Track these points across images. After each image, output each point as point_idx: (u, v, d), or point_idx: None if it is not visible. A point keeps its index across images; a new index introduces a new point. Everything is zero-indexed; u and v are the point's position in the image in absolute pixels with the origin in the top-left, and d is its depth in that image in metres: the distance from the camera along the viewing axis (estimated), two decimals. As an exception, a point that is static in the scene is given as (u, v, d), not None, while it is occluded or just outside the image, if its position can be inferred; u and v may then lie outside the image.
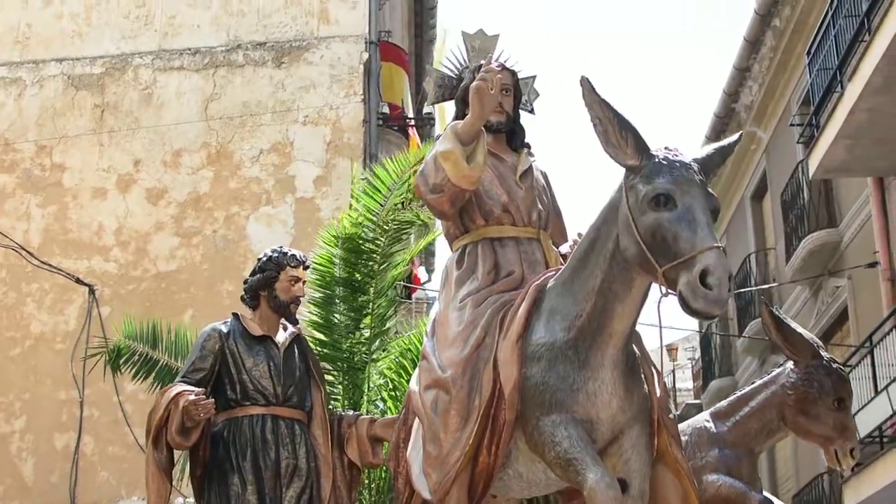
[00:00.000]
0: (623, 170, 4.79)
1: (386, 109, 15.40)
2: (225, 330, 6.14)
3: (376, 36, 15.13)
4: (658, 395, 5.03)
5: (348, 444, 6.23)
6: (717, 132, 21.35)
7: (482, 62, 5.49)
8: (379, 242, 8.65)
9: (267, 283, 6.16)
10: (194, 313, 13.47)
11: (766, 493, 7.11)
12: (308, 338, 7.06)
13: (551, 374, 4.85)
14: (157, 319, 9.03)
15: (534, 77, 5.85)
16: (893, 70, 12.77)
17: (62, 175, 14.64)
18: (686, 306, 4.44)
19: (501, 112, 5.56)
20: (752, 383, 7.26)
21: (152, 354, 8.78)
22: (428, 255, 23.75)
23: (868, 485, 13.79)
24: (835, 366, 6.92)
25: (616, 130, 4.73)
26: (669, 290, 4.56)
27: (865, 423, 12.81)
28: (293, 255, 6.24)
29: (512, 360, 4.95)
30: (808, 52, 15.85)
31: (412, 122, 15.99)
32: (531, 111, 5.85)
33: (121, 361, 8.77)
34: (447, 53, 5.86)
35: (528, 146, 5.72)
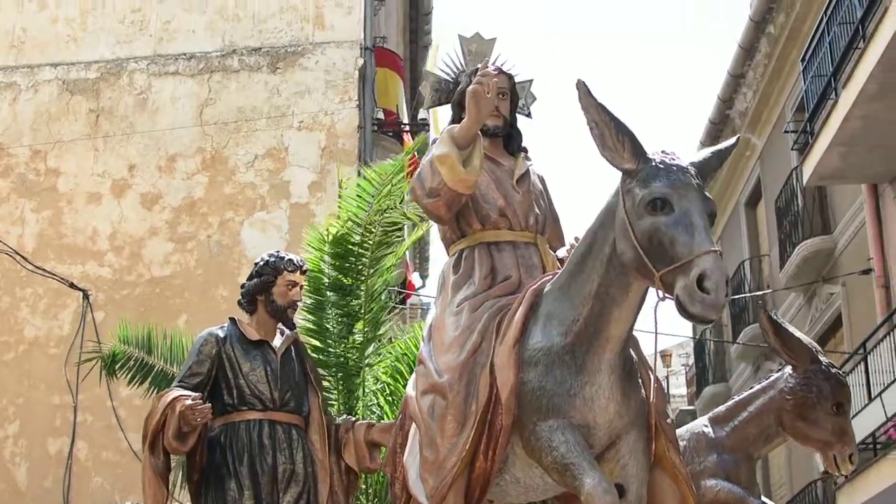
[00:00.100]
0: (620, 174, 4.78)
1: (381, 115, 15.41)
2: (222, 335, 6.13)
3: (371, 42, 15.14)
4: (655, 399, 5.02)
5: (345, 449, 6.23)
6: (711, 138, 21.37)
7: (479, 66, 5.47)
8: (367, 246, 8.66)
9: (264, 287, 6.16)
10: (188, 318, 13.45)
11: (763, 499, 7.11)
12: (302, 343, 7.05)
13: (548, 379, 4.83)
14: (152, 324, 9.01)
15: (531, 81, 5.82)
16: (888, 77, 12.80)
17: (57, 180, 14.62)
18: (683, 311, 4.42)
19: (498, 116, 5.53)
20: (751, 388, 7.26)
21: (147, 359, 8.77)
22: (422, 260, 23.78)
23: (862, 491, 13.79)
24: (833, 370, 6.92)
25: (613, 134, 4.72)
26: (666, 295, 4.54)
27: (859, 429, 12.73)
28: (290, 260, 6.24)
29: (509, 365, 4.93)
30: (803, 59, 15.90)
31: (407, 128, 15.98)
32: (528, 115, 5.83)
33: (116, 366, 8.76)
34: (444, 58, 5.84)
35: (525, 150, 5.70)
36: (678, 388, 33.06)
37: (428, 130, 16.56)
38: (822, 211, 17.58)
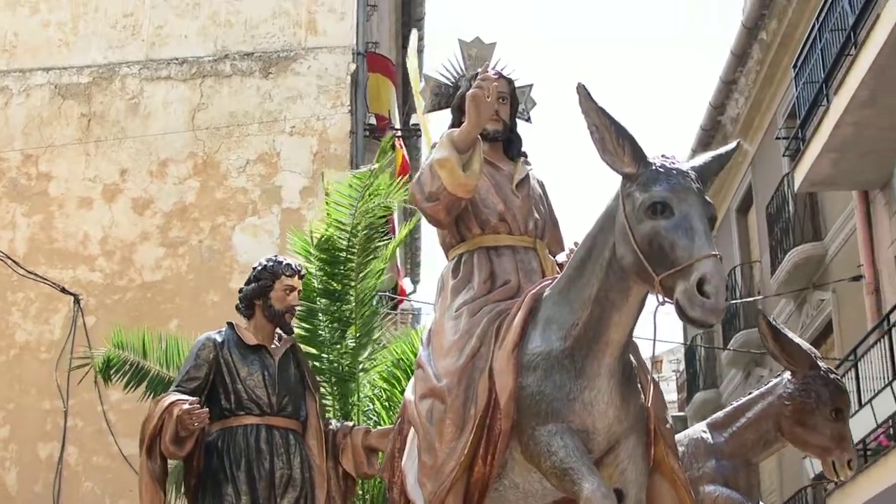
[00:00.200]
0: (619, 178, 4.78)
1: (373, 120, 15.39)
2: (219, 339, 6.12)
3: (364, 47, 15.12)
4: (654, 404, 5.02)
5: (343, 455, 6.22)
6: (703, 145, 21.41)
7: (479, 70, 5.48)
8: (354, 250, 8.67)
9: (262, 292, 6.15)
10: (179, 323, 13.42)
11: (761, 504, 7.11)
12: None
13: (547, 384, 4.82)
14: (147, 329, 8.99)
15: (530, 86, 5.83)
16: (879, 84, 12.84)
17: (48, 184, 14.58)
18: (683, 315, 4.41)
19: (498, 120, 5.54)
20: (749, 394, 7.26)
21: (143, 364, 8.75)
22: (413, 265, 23.78)
23: (852, 497, 13.81)
24: (832, 376, 6.92)
25: (613, 138, 4.71)
26: (666, 299, 4.54)
27: (850, 435, 12.83)
28: (288, 265, 6.23)
29: (508, 370, 4.92)
30: (795, 66, 15.94)
31: (399, 134, 15.98)
32: (528, 120, 5.84)
33: (111, 371, 8.73)
34: (443, 62, 5.83)
35: (525, 155, 5.70)
36: (669, 394, 33.06)
37: (420, 136, 16.57)
38: (813, 217, 17.62)
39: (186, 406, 5.68)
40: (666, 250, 4.49)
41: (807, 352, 6.95)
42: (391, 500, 5.43)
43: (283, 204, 14.42)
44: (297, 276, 6.23)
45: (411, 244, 22.49)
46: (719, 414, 7.32)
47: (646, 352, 5.24)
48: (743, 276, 21.36)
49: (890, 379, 12.91)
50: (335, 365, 8.54)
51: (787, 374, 7.00)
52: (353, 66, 14.81)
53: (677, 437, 6.23)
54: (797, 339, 7.03)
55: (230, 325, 6.24)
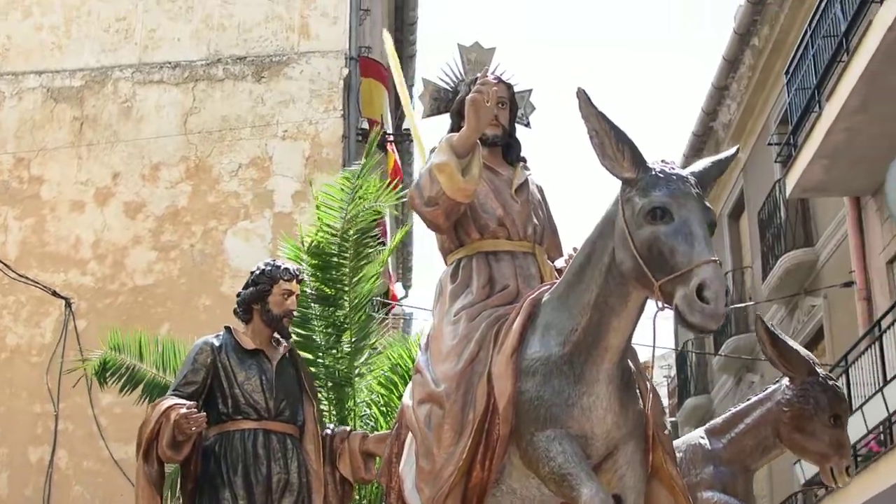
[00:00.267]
0: (619, 183, 4.77)
1: (365, 125, 15.37)
2: (217, 343, 6.11)
3: (356, 51, 15.12)
4: (653, 410, 5.01)
5: (340, 460, 6.21)
6: (695, 150, 21.47)
7: (478, 75, 5.49)
8: (346, 255, 8.66)
9: (260, 296, 6.14)
10: (171, 327, 13.38)
11: (759, 510, 7.12)
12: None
13: (546, 389, 4.81)
14: (142, 331, 8.98)
15: (530, 91, 5.83)
16: (871, 90, 12.88)
17: (40, 188, 14.56)
18: (683, 320, 4.41)
19: (497, 125, 5.54)
20: (748, 400, 7.26)
21: (139, 366, 8.73)
22: (405, 270, 23.77)
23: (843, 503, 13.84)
24: (831, 382, 6.92)
25: (613, 143, 4.70)
26: (666, 304, 4.54)
27: (841, 442, 12.85)
28: (286, 269, 6.22)
29: (506, 375, 4.91)
30: (787, 72, 15.97)
31: (391, 138, 15.97)
32: (527, 125, 5.84)
33: (107, 374, 8.72)
34: (442, 67, 5.82)
35: (524, 160, 5.71)
36: (659, 399, 32.99)
37: (411, 140, 16.57)
38: (804, 223, 17.66)
39: (184, 410, 5.67)
40: (665, 256, 4.48)
41: (805, 358, 6.95)
42: (389, 504, 5.43)
43: (276, 208, 14.40)
44: (295, 281, 6.22)
45: (402, 249, 22.48)
46: (717, 420, 7.31)
47: (642, 356, 5.26)
48: (734, 282, 21.38)
49: (881, 385, 12.94)
50: (331, 370, 8.53)
51: (786, 381, 7.00)
52: (345, 71, 14.81)
53: (675, 442, 6.23)
54: (795, 346, 7.03)
55: (228, 329, 6.22)
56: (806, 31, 15.17)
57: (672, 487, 4.97)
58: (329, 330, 8.64)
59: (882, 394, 12.78)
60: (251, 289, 6.17)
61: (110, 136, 14.65)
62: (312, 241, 8.58)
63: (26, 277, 13.87)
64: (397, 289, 19.06)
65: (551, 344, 4.89)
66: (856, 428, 13.02)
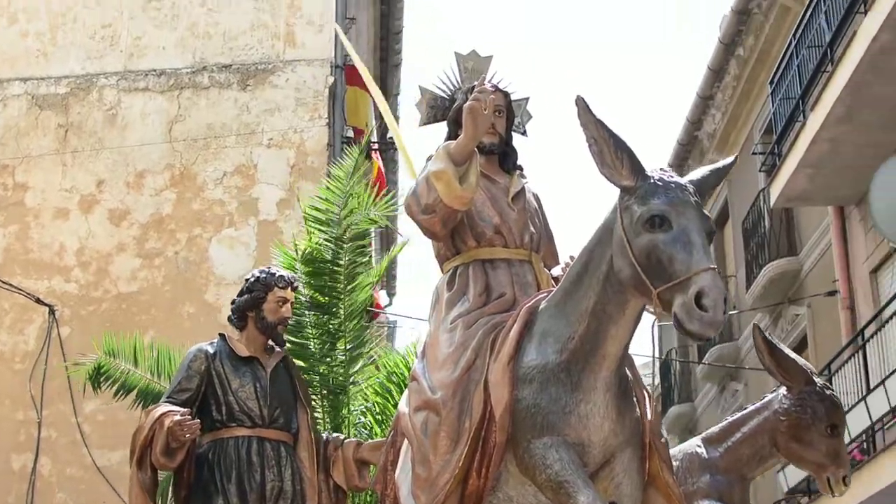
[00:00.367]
0: (617, 191, 4.78)
1: (350, 133, 15.37)
2: (211, 350, 6.10)
3: (342, 60, 15.11)
4: (650, 418, 5.02)
5: (334, 467, 6.21)
6: (679, 160, 21.52)
7: (475, 83, 5.49)
8: (340, 263, 8.65)
9: (254, 303, 6.13)
10: (155, 335, 13.32)
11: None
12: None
13: (543, 397, 4.82)
14: (136, 335, 8.96)
15: (527, 99, 5.84)
16: (855, 100, 12.94)
17: (24, 194, 14.48)
18: (681, 328, 4.42)
19: (494, 133, 5.54)
20: (745, 408, 7.25)
21: (133, 372, 8.70)
22: (389, 278, 23.73)
23: (827, 512, 13.87)
24: (828, 392, 6.93)
25: (611, 151, 4.72)
26: (664, 312, 4.55)
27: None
28: (281, 276, 6.22)
29: (503, 383, 4.91)
30: (772, 82, 16.03)
31: (376, 147, 15.96)
32: (524, 133, 5.85)
33: (101, 378, 8.68)
34: (439, 75, 5.82)
35: (521, 168, 5.72)
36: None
37: (395, 149, 16.58)
38: (788, 232, 17.72)
39: (178, 417, 5.66)
40: (664, 264, 4.49)
41: (803, 367, 6.96)
42: (383, 512, 5.42)
43: (260, 216, 14.37)
44: (290, 288, 6.22)
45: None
46: (714, 429, 7.29)
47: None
48: (718, 291, 21.39)
49: (864, 394, 12.99)
50: (326, 378, 8.52)
51: (783, 390, 7.00)
52: (331, 79, 14.80)
53: (672, 451, 6.23)
54: (793, 355, 7.04)
55: (222, 336, 6.21)
56: (791, 42, 15.23)
57: (668, 496, 4.98)
58: (324, 338, 8.62)
59: (865, 402, 12.82)
60: (246, 296, 6.16)
61: (95, 144, 14.60)
62: (306, 249, 8.56)
63: (10, 284, 13.80)
64: (381, 297, 19.05)
65: (548, 352, 4.89)
66: (840, 437, 13.06)
